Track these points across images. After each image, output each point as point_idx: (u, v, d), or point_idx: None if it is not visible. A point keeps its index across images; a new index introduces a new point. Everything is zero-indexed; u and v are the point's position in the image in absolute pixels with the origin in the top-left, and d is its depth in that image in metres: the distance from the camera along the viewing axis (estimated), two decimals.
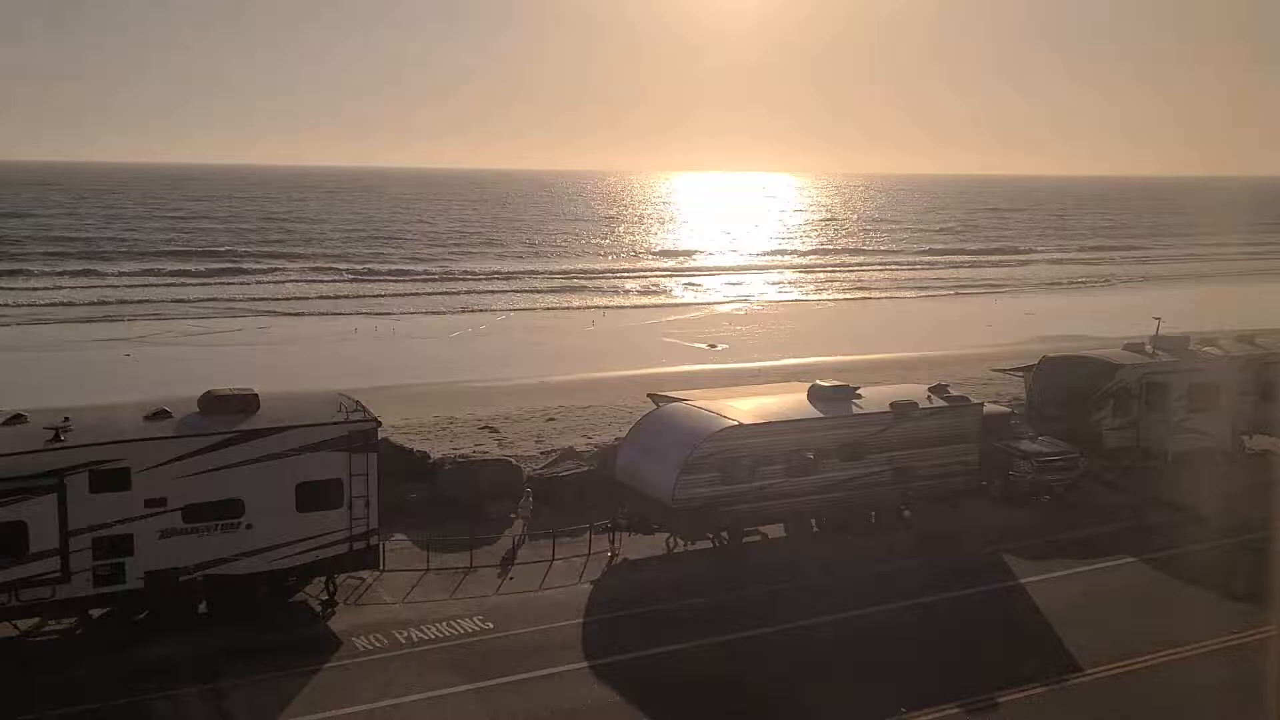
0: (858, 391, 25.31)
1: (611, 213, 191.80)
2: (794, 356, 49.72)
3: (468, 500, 24.85)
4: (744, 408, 23.91)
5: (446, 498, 25.09)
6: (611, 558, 23.00)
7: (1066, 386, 30.13)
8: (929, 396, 25.62)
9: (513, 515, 24.79)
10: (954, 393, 26.30)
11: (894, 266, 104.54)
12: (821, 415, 24.12)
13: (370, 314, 64.34)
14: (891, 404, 24.69)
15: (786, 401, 25.02)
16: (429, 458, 26.42)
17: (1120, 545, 24.46)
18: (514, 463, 26.69)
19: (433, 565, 21.84)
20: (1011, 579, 22.55)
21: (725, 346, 53.90)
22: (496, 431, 31.32)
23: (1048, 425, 29.12)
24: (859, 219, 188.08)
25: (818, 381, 25.64)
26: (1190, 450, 30.03)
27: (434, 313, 66.04)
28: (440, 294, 74.97)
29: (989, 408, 27.82)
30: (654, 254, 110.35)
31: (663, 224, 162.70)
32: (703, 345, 54.17)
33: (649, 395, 27.83)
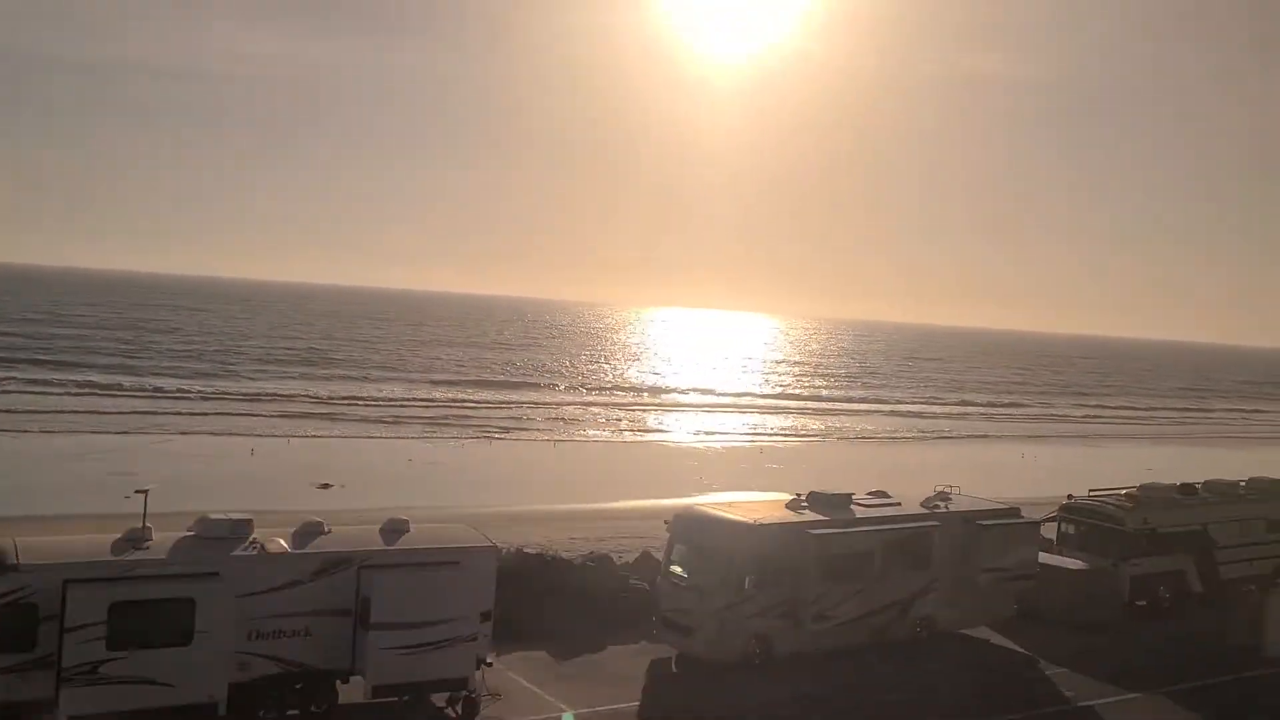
0: None
1: (507, 340, 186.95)
2: (387, 504, 43.02)
3: None
4: None
5: None
6: None
7: None
8: None
9: None
10: None
11: (721, 410, 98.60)
12: None
13: (28, 431, 57.82)
14: None
15: None
16: None
17: None
18: None
19: None
20: None
21: (343, 486, 47.19)
22: None
23: None
24: (760, 360, 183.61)
25: None
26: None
27: (101, 431, 59.45)
28: (151, 412, 68.55)
29: None
30: (475, 384, 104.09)
31: (540, 352, 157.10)
32: (325, 484, 47.43)
33: None
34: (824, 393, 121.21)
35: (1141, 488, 30.62)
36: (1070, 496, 31.34)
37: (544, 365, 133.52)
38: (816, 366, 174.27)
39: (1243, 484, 33.36)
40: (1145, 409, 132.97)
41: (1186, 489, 31.28)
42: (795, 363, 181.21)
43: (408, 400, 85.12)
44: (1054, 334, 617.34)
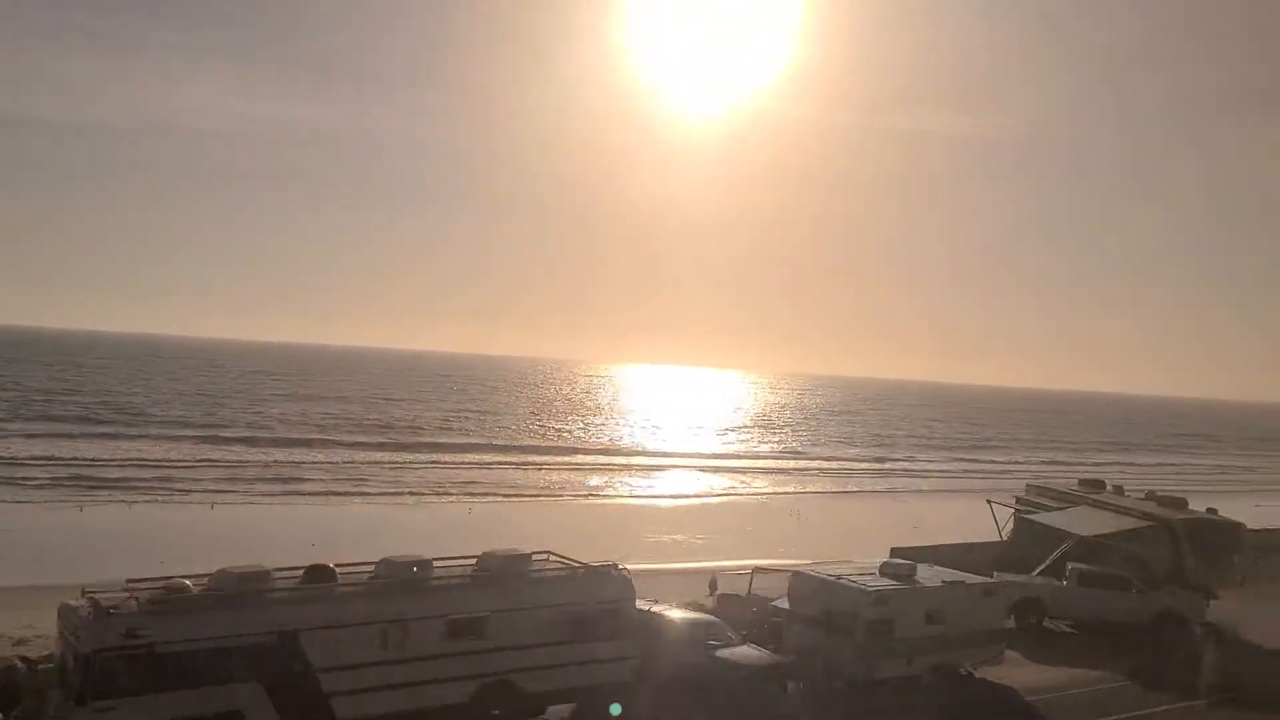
0: None
1: (387, 393, 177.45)
2: None
3: None
4: None
5: None
6: None
7: None
8: None
9: None
10: None
11: (562, 468, 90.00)
12: None
13: None
14: None
15: None
16: None
17: None
18: None
19: None
20: None
21: None
22: None
23: None
24: (668, 415, 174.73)
25: None
26: None
27: None
28: None
29: None
30: (244, 440, 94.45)
31: (401, 407, 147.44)
32: None
33: None
34: (654, 446, 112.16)
35: (216, 575, 19.53)
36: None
37: (380, 419, 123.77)
38: (696, 419, 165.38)
39: (473, 562, 22.20)
40: (1031, 463, 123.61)
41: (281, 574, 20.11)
42: (662, 414, 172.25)
43: (106, 460, 75.57)
44: (1026, 388, 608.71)
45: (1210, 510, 37.62)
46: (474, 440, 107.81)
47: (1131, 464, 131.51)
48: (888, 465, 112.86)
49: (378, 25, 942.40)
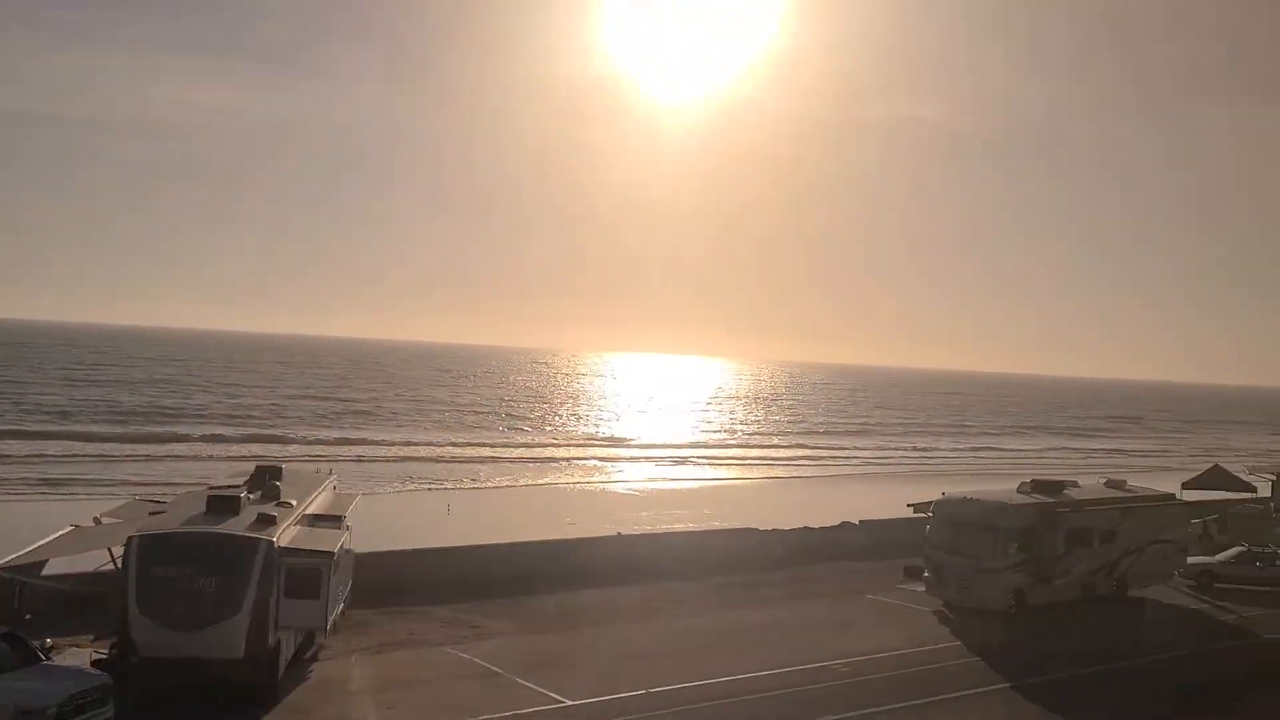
0: None
1: (248, 384, 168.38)
2: None
3: None
4: None
5: None
6: None
7: None
8: None
9: None
10: None
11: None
12: None
13: None
14: None
15: None
16: None
17: None
18: None
19: None
20: None
21: None
22: None
23: None
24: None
25: None
26: None
27: None
28: None
29: None
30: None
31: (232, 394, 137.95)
32: None
33: None
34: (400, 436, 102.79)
35: None
36: None
37: (174, 407, 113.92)
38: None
39: None
40: (872, 449, 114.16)
41: None
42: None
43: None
44: (989, 373, 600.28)
45: None
46: (232, 430, 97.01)
47: (999, 449, 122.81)
48: (759, 451, 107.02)
49: (351, 16, 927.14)
